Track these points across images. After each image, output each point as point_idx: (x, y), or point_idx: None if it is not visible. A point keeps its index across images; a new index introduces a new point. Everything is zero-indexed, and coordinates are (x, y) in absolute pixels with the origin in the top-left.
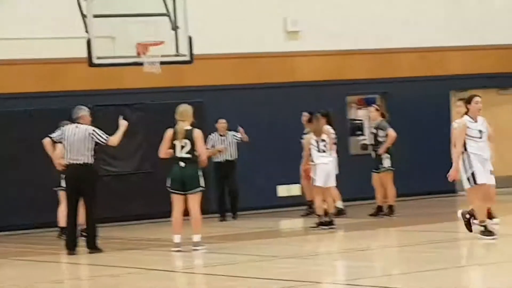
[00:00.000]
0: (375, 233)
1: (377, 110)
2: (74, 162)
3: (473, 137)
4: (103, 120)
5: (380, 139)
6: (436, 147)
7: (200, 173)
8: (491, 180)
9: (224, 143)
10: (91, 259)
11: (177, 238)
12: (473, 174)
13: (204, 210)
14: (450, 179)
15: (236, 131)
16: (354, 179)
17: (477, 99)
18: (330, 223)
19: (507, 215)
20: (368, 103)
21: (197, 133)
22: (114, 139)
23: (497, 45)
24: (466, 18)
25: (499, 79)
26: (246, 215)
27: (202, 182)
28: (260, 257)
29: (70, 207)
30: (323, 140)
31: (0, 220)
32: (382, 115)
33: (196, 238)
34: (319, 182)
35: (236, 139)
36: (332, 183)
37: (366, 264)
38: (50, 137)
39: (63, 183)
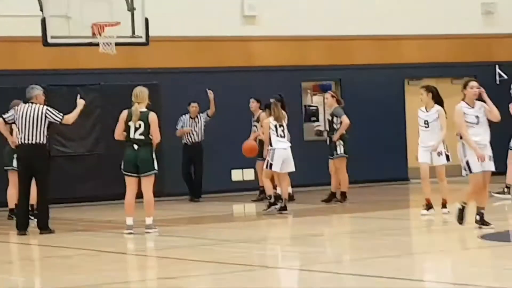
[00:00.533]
0: (327, 219)
1: (333, 96)
2: (27, 142)
3: (470, 122)
4: (57, 100)
5: (335, 125)
6: (389, 134)
7: (154, 155)
8: (489, 167)
9: (192, 126)
10: (42, 239)
11: (129, 220)
12: (467, 163)
13: (159, 193)
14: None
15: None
16: (308, 165)
17: (472, 83)
18: (283, 208)
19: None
20: (323, 89)
21: (152, 116)
22: (70, 118)
23: (452, 35)
24: (422, 7)
25: (453, 68)
26: (200, 199)
27: (155, 165)
28: (212, 240)
29: (22, 187)
30: (281, 126)
31: None
32: (338, 102)
33: (149, 220)
34: (276, 167)
35: (205, 118)
36: (291, 168)
37: (318, 250)
38: (3, 118)
39: (14, 163)
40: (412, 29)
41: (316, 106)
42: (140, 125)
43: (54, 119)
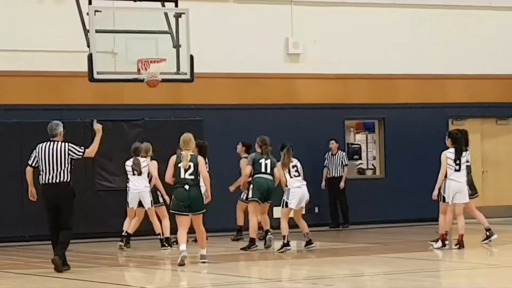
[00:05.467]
0: (366, 259)
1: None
2: (51, 181)
3: None
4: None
5: None
6: (432, 174)
7: (202, 195)
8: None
9: (333, 161)
10: (86, 274)
11: (183, 246)
12: None
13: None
14: None
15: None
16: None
17: None
18: (308, 243)
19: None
20: (366, 128)
21: (200, 158)
22: (90, 151)
23: (497, 75)
24: (466, 47)
25: (498, 109)
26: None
27: (204, 203)
28: (253, 279)
29: (52, 225)
30: (294, 166)
31: None
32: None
33: (203, 251)
34: (292, 204)
35: (343, 158)
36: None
37: None
38: (31, 165)
39: None
40: (456, 69)
41: (359, 144)
42: (189, 166)
43: (76, 156)
